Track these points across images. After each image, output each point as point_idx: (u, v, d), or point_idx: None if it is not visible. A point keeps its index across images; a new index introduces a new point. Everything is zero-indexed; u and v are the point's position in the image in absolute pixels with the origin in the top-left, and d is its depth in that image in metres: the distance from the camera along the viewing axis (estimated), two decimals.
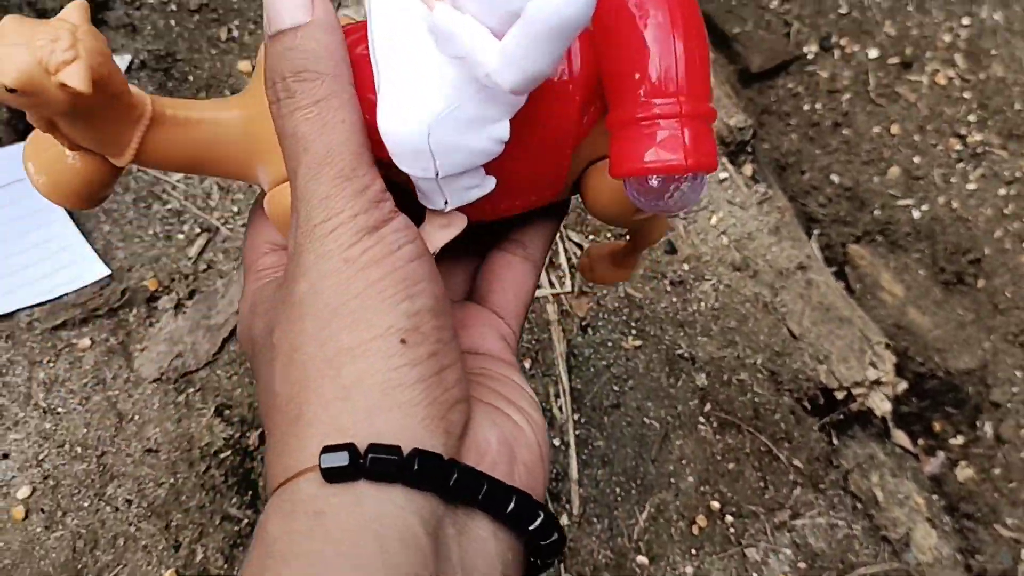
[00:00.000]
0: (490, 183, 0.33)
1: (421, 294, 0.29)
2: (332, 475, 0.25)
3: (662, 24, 0.31)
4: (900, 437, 0.93)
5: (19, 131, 0.74)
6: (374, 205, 0.29)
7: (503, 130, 0.31)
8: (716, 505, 0.76)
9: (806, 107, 1.23)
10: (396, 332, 0.28)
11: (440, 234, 0.36)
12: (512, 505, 0.28)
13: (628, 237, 0.43)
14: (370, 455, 0.26)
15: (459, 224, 0.36)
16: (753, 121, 0.88)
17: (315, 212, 0.28)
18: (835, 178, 1.18)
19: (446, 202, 0.34)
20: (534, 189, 0.36)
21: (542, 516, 0.29)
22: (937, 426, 1.01)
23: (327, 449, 0.26)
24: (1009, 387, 1.04)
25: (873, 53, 1.28)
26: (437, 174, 0.31)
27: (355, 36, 0.32)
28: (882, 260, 1.10)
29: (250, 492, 0.69)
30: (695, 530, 0.74)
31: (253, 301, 0.34)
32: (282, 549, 0.25)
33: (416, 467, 0.26)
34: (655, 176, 0.31)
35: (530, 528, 0.29)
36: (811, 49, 1.27)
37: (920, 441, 0.99)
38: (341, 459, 0.25)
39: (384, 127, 0.31)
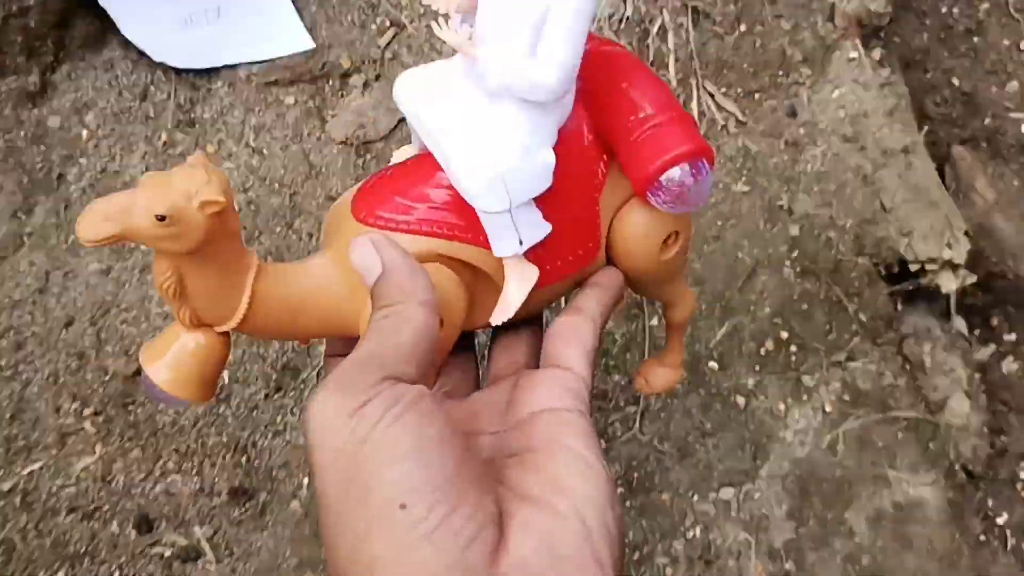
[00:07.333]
0: (548, 226, 0.40)
1: (406, 457, 0.29)
2: None
3: (634, 84, 0.41)
4: (959, 322, 1.03)
5: None
6: (362, 391, 0.31)
7: (550, 156, 0.38)
8: (784, 335, 0.88)
9: (943, 9, 1.26)
10: (391, 501, 0.29)
11: (518, 288, 0.41)
12: None
13: (665, 320, 0.52)
14: None
15: (532, 275, 0.40)
16: (891, 12, 0.95)
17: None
18: (956, 81, 1.23)
19: (521, 241, 0.39)
20: (579, 240, 0.42)
21: None
22: (995, 321, 1.11)
23: None
24: None
25: None
26: (511, 204, 0.37)
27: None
28: (981, 165, 1.17)
29: None
30: (762, 351, 0.87)
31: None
32: None
33: None
34: (670, 174, 0.39)
35: None
36: None
37: (977, 331, 1.09)
38: None
39: (463, 182, 0.37)
